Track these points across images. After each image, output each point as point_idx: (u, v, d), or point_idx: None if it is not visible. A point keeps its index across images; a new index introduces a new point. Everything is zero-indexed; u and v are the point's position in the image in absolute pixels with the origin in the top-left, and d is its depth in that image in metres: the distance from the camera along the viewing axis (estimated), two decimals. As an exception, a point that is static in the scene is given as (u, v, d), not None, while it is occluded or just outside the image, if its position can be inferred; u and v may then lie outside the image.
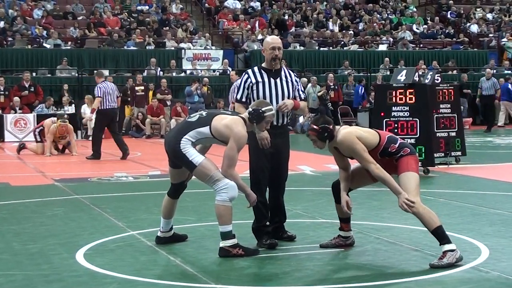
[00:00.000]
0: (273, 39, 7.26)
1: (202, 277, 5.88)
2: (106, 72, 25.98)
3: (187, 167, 6.69)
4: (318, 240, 7.14)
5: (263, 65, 7.25)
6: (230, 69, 27.69)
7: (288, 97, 7.12)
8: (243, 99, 7.16)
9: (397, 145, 6.40)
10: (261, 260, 6.47)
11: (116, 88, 16.84)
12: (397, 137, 6.64)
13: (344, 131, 6.40)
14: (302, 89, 7.43)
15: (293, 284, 5.68)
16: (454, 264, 5.99)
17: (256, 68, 7.26)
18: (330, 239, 6.96)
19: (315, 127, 6.42)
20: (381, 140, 6.41)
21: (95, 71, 20.03)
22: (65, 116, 18.60)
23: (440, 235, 6.15)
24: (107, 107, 16.22)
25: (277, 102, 7.05)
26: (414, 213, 6.20)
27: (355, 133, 6.39)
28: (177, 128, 6.84)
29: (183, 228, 7.96)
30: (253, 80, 7.12)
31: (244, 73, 7.28)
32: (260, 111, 6.62)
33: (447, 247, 6.08)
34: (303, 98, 7.32)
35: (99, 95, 16.13)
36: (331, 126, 6.42)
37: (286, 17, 32.28)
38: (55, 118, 18.24)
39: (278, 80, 7.13)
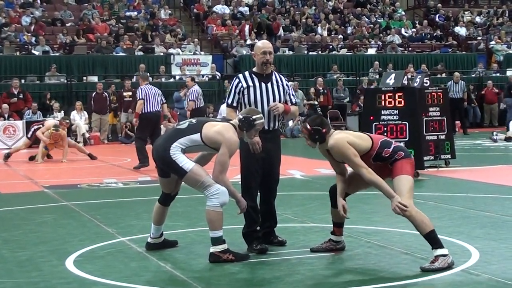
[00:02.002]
0: (264, 44, 7.24)
1: (193, 282, 5.86)
2: (95, 78, 26.03)
3: (177, 174, 6.66)
4: (308, 245, 7.13)
5: (254, 69, 7.23)
6: (218, 74, 27.70)
7: (280, 101, 7.11)
8: (234, 104, 7.15)
9: (391, 149, 6.40)
10: (252, 265, 6.46)
11: (160, 93, 15.73)
12: (392, 141, 6.61)
13: (336, 136, 6.40)
14: (293, 93, 7.44)
15: (283, 289, 5.67)
16: (445, 268, 5.98)
17: (247, 73, 7.23)
18: (321, 243, 6.96)
19: (308, 126, 6.47)
20: (374, 145, 6.40)
21: (139, 74, 19.00)
22: (67, 121, 18.48)
23: (433, 240, 6.14)
24: (151, 110, 15.23)
25: (268, 107, 7.06)
26: (407, 217, 6.19)
27: (347, 138, 6.38)
28: (166, 136, 6.79)
29: (173, 234, 7.94)
30: (244, 85, 7.10)
31: (235, 78, 7.27)
32: (251, 119, 6.62)
33: (439, 251, 6.08)
34: (294, 103, 7.31)
35: (141, 97, 15.15)
36: (324, 130, 6.42)
37: (272, 21, 32.24)
38: (58, 121, 18.20)
39: (269, 85, 7.12)
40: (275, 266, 6.43)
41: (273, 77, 7.19)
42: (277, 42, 30.49)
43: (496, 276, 5.80)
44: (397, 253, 6.73)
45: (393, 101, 12.94)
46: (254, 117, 6.64)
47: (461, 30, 34.68)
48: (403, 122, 12.81)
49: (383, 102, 12.99)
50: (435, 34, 33.96)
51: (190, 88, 20.81)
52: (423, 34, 33.91)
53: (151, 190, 12.08)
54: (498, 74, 31.10)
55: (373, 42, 32.25)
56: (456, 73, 25.85)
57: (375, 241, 7.37)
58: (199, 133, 6.56)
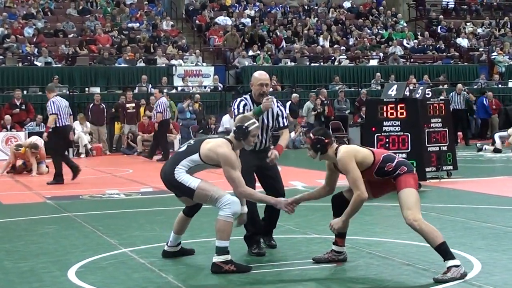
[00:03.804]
0: (261, 75, 7.66)
1: (195, 294, 5.86)
2: (97, 90, 26.06)
3: (186, 195, 6.81)
4: (310, 256, 7.13)
5: (254, 97, 7.64)
6: (220, 85, 27.74)
7: (271, 127, 7.62)
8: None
9: (394, 164, 6.41)
10: (254, 276, 6.45)
11: (68, 104, 15.63)
12: (395, 156, 6.59)
13: (344, 150, 6.47)
14: (285, 115, 7.83)
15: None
16: (458, 278, 5.97)
17: (249, 98, 7.66)
18: (323, 253, 6.96)
19: (311, 136, 6.56)
20: (376, 160, 6.42)
21: (48, 85, 17.76)
22: (33, 150, 17.91)
23: (443, 251, 6.14)
24: (64, 124, 15.10)
25: (261, 135, 7.45)
26: (417, 230, 6.20)
27: (353, 151, 6.45)
28: (170, 160, 6.98)
29: (175, 245, 7.95)
30: (248, 107, 7.55)
31: (242, 99, 7.68)
32: (244, 127, 6.73)
33: (451, 262, 6.07)
34: (284, 125, 7.74)
35: (54, 112, 14.93)
36: (326, 140, 6.49)
37: (265, 32, 32.28)
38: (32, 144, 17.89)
39: (264, 113, 7.52)
40: (278, 277, 6.44)
41: None
42: (279, 54, 30.56)
43: (498, 287, 5.79)
44: (398, 264, 6.73)
45: (395, 112, 12.96)
46: (246, 124, 6.76)
47: (463, 42, 34.71)
48: (405, 133, 12.82)
49: (385, 113, 13.00)
50: (437, 45, 34.00)
51: (157, 100, 20.94)
52: (425, 45, 33.95)
53: (154, 201, 12.11)
54: (500, 86, 31.11)
55: (375, 53, 32.29)
56: (459, 85, 25.88)
57: (376, 252, 7.37)
58: (197, 153, 6.74)
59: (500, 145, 21.26)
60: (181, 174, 6.70)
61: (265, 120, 7.58)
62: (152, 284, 6.27)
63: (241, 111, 7.54)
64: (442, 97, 19.35)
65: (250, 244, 7.40)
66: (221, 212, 6.57)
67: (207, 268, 6.68)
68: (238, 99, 7.73)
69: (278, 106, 7.74)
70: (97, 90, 26.14)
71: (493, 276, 6.19)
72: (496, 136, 21.80)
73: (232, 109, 7.73)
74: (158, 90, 21.79)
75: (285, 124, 7.79)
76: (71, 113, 15.95)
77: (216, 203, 6.62)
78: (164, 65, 28.46)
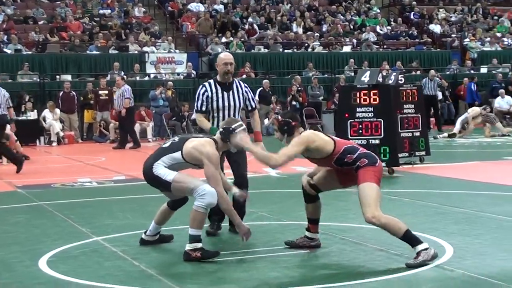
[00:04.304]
0: (226, 56, 8.13)
1: (168, 281, 5.83)
2: (68, 77, 25.85)
3: (164, 188, 6.84)
4: (283, 242, 7.12)
5: (218, 78, 8.06)
6: (194, 72, 27.63)
7: (239, 108, 7.98)
8: (203, 109, 7.94)
9: (354, 156, 6.36)
10: (227, 263, 6.44)
11: (8, 96, 15.24)
12: (360, 148, 6.51)
13: (303, 134, 6.48)
14: (253, 97, 8.23)
15: (258, 287, 5.65)
16: (430, 261, 6.01)
17: (212, 81, 8.08)
18: (296, 238, 6.96)
19: (279, 118, 6.63)
20: (335, 150, 6.37)
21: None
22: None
23: (410, 239, 6.16)
24: (1, 113, 14.83)
25: (229, 113, 7.87)
26: (378, 226, 6.21)
27: (310, 136, 6.42)
28: (152, 155, 6.95)
29: (148, 233, 7.90)
30: (209, 93, 7.94)
31: (201, 86, 8.10)
32: (230, 129, 6.78)
33: (420, 247, 6.09)
34: (253, 107, 8.15)
35: None
36: (293, 123, 6.50)
37: (238, 19, 32.17)
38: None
39: (230, 93, 7.96)
40: (251, 264, 6.42)
41: (234, 86, 8.04)
42: (252, 40, 30.48)
43: (470, 272, 5.82)
44: (371, 250, 6.74)
45: (368, 99, 12.97)
46: (233, 126, 6.81)
47: (436, 28, 34.84)
48: (378, 119, 12.84)
49: (358, 99, 13.01)
50: (410, 31, 34.08)
51: (121, 87, 20.86)
52: (398, 31, 34.03)
53: (126, 189, 12.04)
54: (472, 72, 31.29)
55: (348, 40, 32.31)
56: (432, 71, 25.99)
57: (349, 238, 7.38)
58: (180, 151, 6.74)
59: (458, 129, 21.37)
60: (158, 168, 6.72)
61: (235, 101, 7.94)
62: (124, 272, 6.22)
63: (199, 107, 7.90)
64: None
65: (212, 220, 7.79)
66: (195, 201, 6.58)
67: (180, 255, 6.66)
68: (201, 88, 8.04)
69: (245, 86, 8.13)
70: (68, 77, 25.93)
71: (465, 261, 6.22)
72: (458, 121, 21.94)
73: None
74: (121, 77, 21.64)
75: (254, 106, 8.18)
76: (11, 105, 15.58)
77: (193, 193, 6.61)
78: (136, 52, 28.28)
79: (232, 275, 6.06)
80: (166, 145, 6.92)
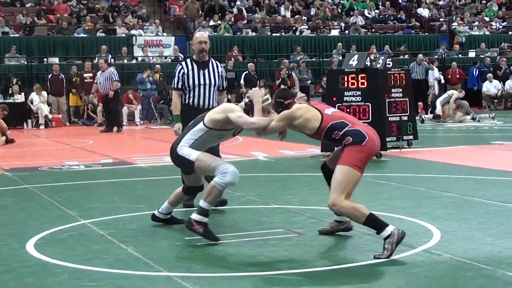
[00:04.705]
0: (201, 35, 8.61)
1: (155, 264, 5.82)
2: (56, 60, 25.71)
3: (186, 168, 6.86)
4: (271, 226, 7.13)
5: (194, 57, 8.51)
6: (181, 55, 27.54)
7: (214, 85, 8.42)
8: (179, 86, 8.40)
9: (341, 133, 6.15)
10: (214, 247, 6.43)
11: None
12: (348, 124, 6.21)
13: (293, 107, 6.41)
14: (225, 78, 8.78)
15: (245, 271, 5.65)
16: (395, 249, 5.82)
17: (188, 60, 8.53)
18: (327, 225, 6.82)
19: (273, 99, 6.57)
20: (321, 126, 6.20)
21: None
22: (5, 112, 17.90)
23: (372, 224, 6.00)
24: None
25: (204, 90, 8.37)
26: (338, 214, 6.16)
27: (293, 113, 6.31)
28: (179, 136, 7.00)
29: (135, 216, 7.91)
30: (185, 71, 8.37)
31: (178, 65, 8.53)
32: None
33: (384, 234, 5.89)
34: (224, 88, 8.65)
35: None
36: (286, 101, 6.44)
37: (226, 2, 32.05)
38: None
39: (206, 71, 8.41)
40: (239, 247, 6.42)
41: (210, 64, 8.47)
42: (239, 23, 30.38)
43: (457, 256, 5.84)
44: (360, 234, 6.74)
45: (356, 83, 12.97)
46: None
47: (424, 12, 34.83)
48: (366, 103, 12.85)
49: (346, 83, 13.01)
50: (398, 15, 34.07)
51: (107, 70, 20.76)
52: (386, 15, 34.01)
53: (114, 172, 12.01)
54: (460, 56, 31.33)
55: (336, 23, 32.27)
56: (420, 55, 26.00)
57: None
58: (201, 122, 6.74)
59: (440, 110, 21.37)
60: (183, 148, 6.74)
61: (210, 78, 8.39)
62: (112, 255, 6.21)
63: (175, 85, 8.39)
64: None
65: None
66: (216, 178, 6.56)
67: (167, 239, 6.66)
68: (178, 66, 8.50)
69: (220, 66, 8.63)
70: (55, 60, 25.79)
71: (452, 245, 6.24)
72: (438, 102, 21.87)
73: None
74: (104, 61, 21.54)
75: (225, 86, 8.70)
76: None
77: (215, 171, 6.59)
78: (124, 35, 28.16)
79: (219, 259, 6.05)
80: (190, 123, 6.94)
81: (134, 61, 27.33)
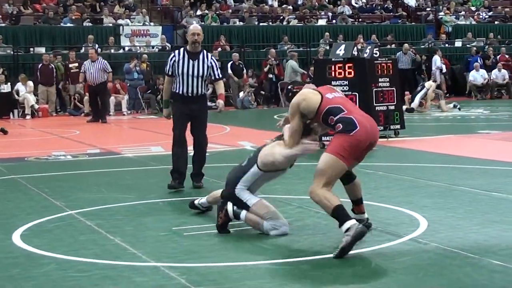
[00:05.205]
0: (194, 27, 9.18)
1: (142, 255, 5.82)
2: (42, 50, 25.56)
3: (239, 207, 6.58)
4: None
5: (187, 47, 9.03)
6: (168, 45, 27.47)
7: (202, 76, 8.90)
8: (169, 73, 8.97)
9: (335, 119, 6.01)
10: (198, 237, 6.43)
11: None
12: (344, 110, 6.04)
13: (299, 93, 6.25)
14: (218, 68, 9.14)
15: (232, 260, 5.66)
16: (349, 245, 5.57)
17: (182, 49, 9.04)
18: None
19: (284, 90, 6.52)
20: (320, 108, 6.08)
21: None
22: None
23: (336, 218, 5.82)
24: None
25: (192, 80, 8.87)
26: (314, 202, 6.02)
27: (302, 94, 6.18)
28: (233, 173, 6.70)
29: (123, 207, 7.90)
30: (176, 59, 8.90)
31: (172, 53, 9.12)
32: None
33: (343, 228, 5.70)
34: (217, 77, 9.13)
35: None
36: (295, 89, 6.40)
37: None
38: None
39: (196, 62, 8.89)
40: (225, 237, 6.42)
41: (201, 56, 8.95)
42: (226, 13, 30.31)
43: (443, 245, 5.86)
44: (346, 223, 6.74)
45: (343, 72, 12.99)
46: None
47: (411, 1, 34.85)
48: (353, 93, 12.85)
49: (333, 73, 13.02)
50: (385, 5, 34.08)
51: (95, 60, 20.61)
52: (373, 5, 34.01)
53: (101, 162, 11.98)
54: (447, 45, 31.39)
55: (323, 13, 32.25)
56: (406, 45, 26.03)
57: (324, 211, 7.37)
58: (255, 164, 6.51)
59: (416, 104, 21.15)
60: (241, 191, 6.54)
61: (199, 69, 8.87)
62: (99, 246, 6.20)
63: (167, 71, 8.99)
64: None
65: (173, 176, 8.89)
66: (267, 224, 6.39)
67: (154, 229, 6.66)
68: (171, 54, 9.11)
69: (211, 58, 9.07)
70: (42, 50, 25.64)
71: (438, 234, 6.26)
72: (417, 97, 21.50)
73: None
74: (95, 50, 21.43)
75: (219, 75, 9.16)
76: None
77: (267, 221, 6.39)
78: (111, 24, 28.04)
79: (207, 248, 6.05)
80: (244, 163, 6.66)
81: (121, 51, 27.22)
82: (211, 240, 6.33)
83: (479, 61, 28.01)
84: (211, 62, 9.00)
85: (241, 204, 6.54)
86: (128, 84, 24.29)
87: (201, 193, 8.26)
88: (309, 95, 6.17)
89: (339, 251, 5.58)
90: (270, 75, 26.09)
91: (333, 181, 5.99)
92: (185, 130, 9.00)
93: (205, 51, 9.09)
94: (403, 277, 5.13)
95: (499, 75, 27.34)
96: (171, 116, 9.15)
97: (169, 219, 7.22)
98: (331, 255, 5.63)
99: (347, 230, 5.64)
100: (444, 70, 27.38)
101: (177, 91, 8.93)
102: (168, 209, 7.88)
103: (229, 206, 6.55)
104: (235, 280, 5.14)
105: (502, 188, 8.48)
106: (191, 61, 8.87)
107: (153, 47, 27.77)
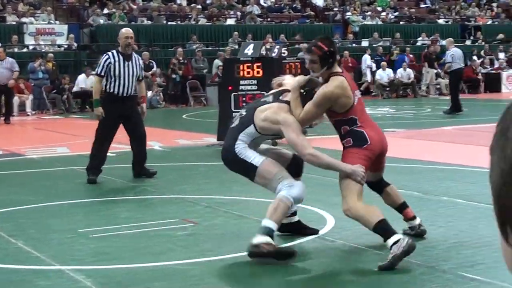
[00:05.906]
0: (127, 30, 9.78)
1: (46, 258, 5.68)
2: None
3: (247, 174, 5.88)
4: (166, 216, 7.05)
5: (120, 49, 9.52)
6: (75, 44, 27.00)
7: (135, 76, 9.45)
8: (102, 74, 9.34)
9: (348, 129, 5.72)
10: (105, 239, 6.32)
11: None
12: (359, 124, 5.72)
13: (337, 81, 5.64)
14: (142, 68, 9.92)
15: (141, 261, 5.58)
16: (403, 255, 5.25)
17: (115, 51, 9.50)
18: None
19: (323, 46, 5.64)
20: (348, 113, 5.71)
21: None
22: None
23: (380, 232, 5.44)
24: None
25: (127, 80, 9.35)
26: (353, 218, 5.61)
27: (341, 85, 5.61)
28: (226, 138, 6.06)
29: (26, 209, 7.69)
30: (112, 61, 9.33)
31: (105, 54, 9.59)
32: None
33: (389, 242, 5.32)
34: (142, 78, 9.76)
35: None
36: (337, 57, 5.73)
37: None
38: None
39: (129, 63, 9.44)
40: (134, 239, 6.34)
41: (133, 57, 9.57)
42: (135, 12, 30.03)
43: (350, 242, 5.93)
44: (254, 222, 6.74)
45: (251, 71, 13.00)
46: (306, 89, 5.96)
47: (319, 1, 35.26)
48: (262, 92, 12.83)
49: (241, 72, 13.03)
50: (293, 5, 34.39)
51: (4, 59, 20.19)
52: (282, 4, 34.26)
53: (3, 164, 11.65)
54: (354, 45, 31.89)
55: (232, 12, 32.30)
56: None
57: (233, 210, 7.38)
58: (252, 124, 5.83)
59: None
60: (242, 148, 5.78)
61: (134, 69, 9.42)
62: (1, 250, 6.02)
63: (99, 72, 9.34)
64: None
65: (89, 172, 9.17)
66: (282, 191, 5.61)
67: (59, 232, 6.52)
68: (104, 56, 9.54)
69: (139, 59, 9.73)
70: None
71: (345, 231, 6.32)
72: None
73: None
74: (3, 49, 20.87)
75: (143, 76, 9.85)
76: None
77: (278, 183, 5.66)
78: (14, 23, 27.37)
79: (115, 250, 5.95)
80: (236, 123, 5.94)
81: (25, 50, 26.60)
82: (118, 242, 6.23)
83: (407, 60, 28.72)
84: (141, 63, 9.75)
85: (245, 166, 5.77)
86: (32, 84, 23.75)
87: (109, 193, 8.10)
88: (347, 92, 5.66)
89: (387, 264, 5.21)
90: (174, 75, 25.92)
91: (361, 191, 5.66)
92: (114, 131, 9.42)
93: (134, 53, 9.79)
94: (308, 275, 5.15)
95: (404, 74, 27.93)
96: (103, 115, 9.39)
97: (75, 221, 7.07)
98: (241, 253, 5.61)
99: (396, 242, 5.27)
100: (374, 68, 27.82)
101: (111, 91, 9.33)
102: (74, 211, 7.71)
103: (256, 239, 5.54)
104: (142, 281, 5.06)
105: (407, 185, 8.63)
106: (126, 63, 9.40)
107: (59, 46, 27.24)
